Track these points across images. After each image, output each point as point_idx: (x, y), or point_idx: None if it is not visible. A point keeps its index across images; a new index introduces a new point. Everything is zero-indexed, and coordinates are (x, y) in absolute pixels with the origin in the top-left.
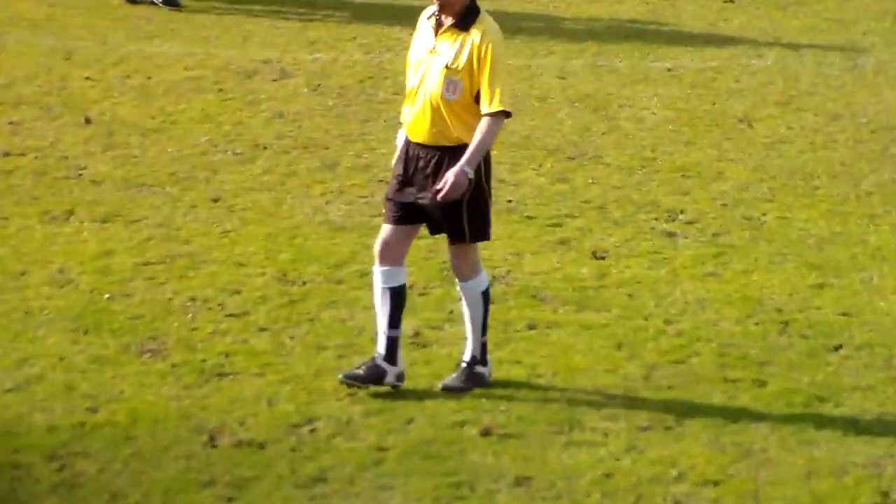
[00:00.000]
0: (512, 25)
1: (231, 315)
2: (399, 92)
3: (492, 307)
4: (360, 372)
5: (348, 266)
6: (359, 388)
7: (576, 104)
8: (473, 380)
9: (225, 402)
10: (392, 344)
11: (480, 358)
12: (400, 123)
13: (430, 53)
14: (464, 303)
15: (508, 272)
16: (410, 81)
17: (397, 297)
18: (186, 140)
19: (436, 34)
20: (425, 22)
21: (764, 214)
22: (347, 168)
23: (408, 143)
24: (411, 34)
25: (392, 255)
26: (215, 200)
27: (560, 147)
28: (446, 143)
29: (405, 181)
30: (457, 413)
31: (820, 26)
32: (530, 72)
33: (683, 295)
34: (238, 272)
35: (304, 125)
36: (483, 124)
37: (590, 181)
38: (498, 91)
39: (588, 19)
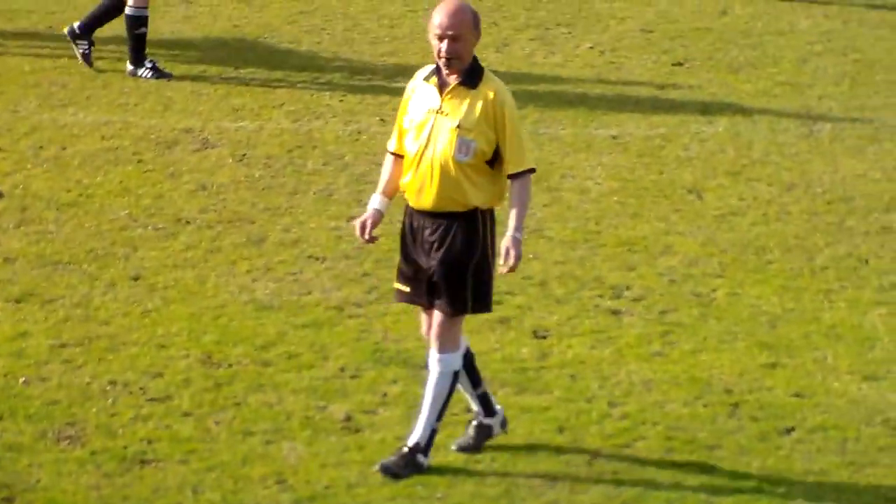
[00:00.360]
0: None
1: (153, 399)
2: (329, 162)
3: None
4: (472, 441)
5: (276, 347)
6: (475, 452)
7: None
8: (412, 467)
9: (147, 492)
10: (485, 399)
11: (425, 447)
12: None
13: (437, 114)
14: (430, 378)
15: None
16: (411, 146)
17: (467, 361)
18: (104, 214)
19: (441, 94)
20: (422, 84)
21: (714, 291)
22: (275, 243)
23: (411, 213)
24: (341, 100)
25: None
26: (135, 278)
27: (499, 220)
28: (456, 209)
29: (411, 253)
30: (390, 501)
31: (774, 91)
32: None
33: (629, 376)
34: (160, 354)
35: (229, 198)
36: (517, 187)
37: (531, 256)
38: (522, 150)
39: (528, 84)
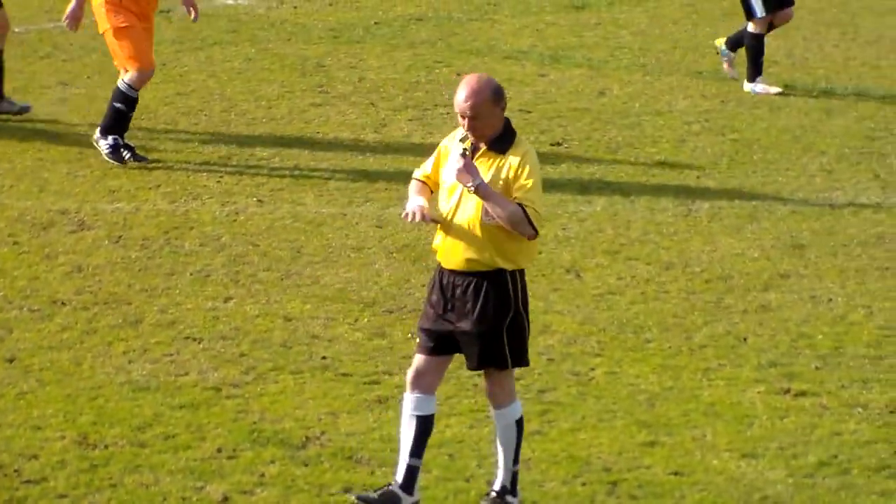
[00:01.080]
0: (326, 171)
1: (28, 482)
2: (206, 243)
3: (305, 470)
4: (375, 496)
5: (152, 428)
6: None
7: (394, 254)
8: None
9: None
10: (411, 474)
11: (511, 488)
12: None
13: (463, 149)
14: (498, 431)
15: (323, 433)
16: (443, 207)
17: (423, 426)
18: None
19: (472, 158)
20: (457, 144)
21: (592, 369)
22: (151, 325)
23: (441, 271)
24: (218, 181)
25: (425, 384)
26: (10, 360)
27: (377, 300)
28: (483, 269)
29: (442, 310)
30: None
31: (652, 170)
32: (345, 220)
33: None
34: (35, 436)
35: (105, 279)
36: (514, 204)
37: (409, 336)
38: (536, 199)
39: (407, 164)
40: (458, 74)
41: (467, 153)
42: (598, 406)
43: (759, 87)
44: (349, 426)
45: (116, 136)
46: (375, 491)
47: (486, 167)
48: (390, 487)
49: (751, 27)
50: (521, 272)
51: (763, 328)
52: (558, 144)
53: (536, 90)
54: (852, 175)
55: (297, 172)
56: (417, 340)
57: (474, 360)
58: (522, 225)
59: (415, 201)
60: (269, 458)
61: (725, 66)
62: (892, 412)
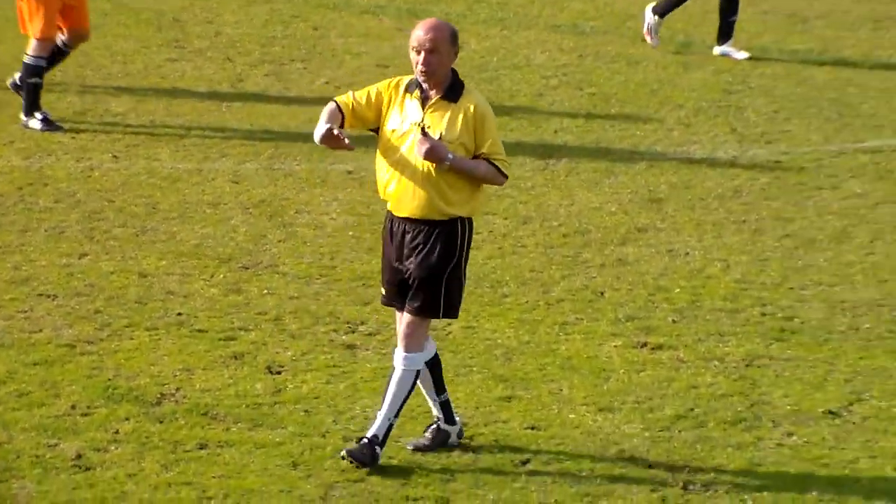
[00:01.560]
0: (181, 127)
1: None
2: (60, 199)
3: (159, 427)
4: (428, 443)
5: (5, 385)
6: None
7: (250, 210)
8: (369, 458)
9: None
10: (447, 407)
11: (381, 439)
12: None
13: (420, 126)
14: (394, 375)
15: (178, 389)
16: (393, 156)
17: (434, 368)
18: None
19: (423, 107)
20: (406, 95)
21: (449, 324)
22: (5, 281)
23: (392, 219)
24: (73, 137)
25: None
26: None
27: (233, 256)
28: (436, 217)
29: (395, 259)
30: None
31: (510, 125)
32: (201, 176)
33: (364, 410)
34: None
35: None
36: (483, 161)
37: (265, 292)
38: (500, 152)
39: (264, 120)
40: (316, 29)
41: (427, 130)
42: (455, 361)
43: (653, 22)
44: (204, 382)
45: (43, 112)
46: (425, 433)
47: (440, 116)
48: (434, 426)
49: None
50: (471, 222)
51: (620, 282)
52: None
53: (395, 45)
54: (709, 129)
55: (152, 128)
56: (383, 294)
57: (411, 304)
58: (496, 178)
59: (321, 128)
60: (124, 414)
61: (652, 41)
62: (748, 365)
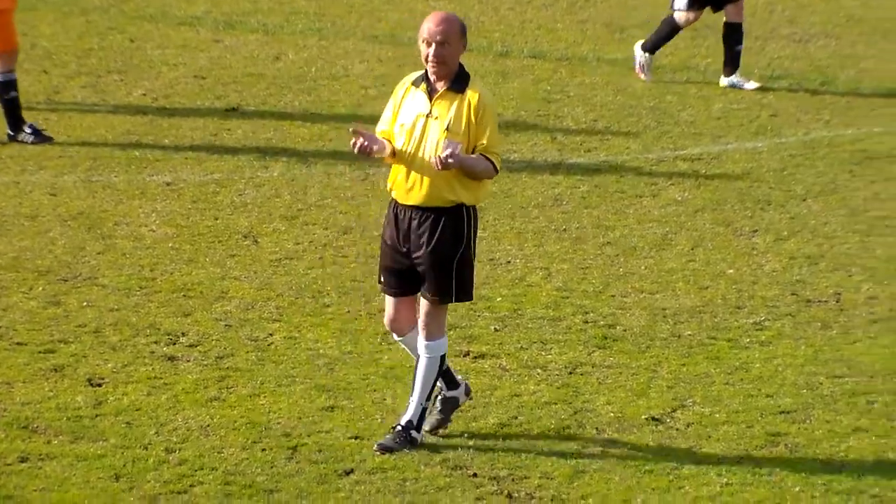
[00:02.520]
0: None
1: None
2: None
3: None
4: (440, 416)
5: None
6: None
7: (68, 222)
8: (407, 443)
9: None
10: (446, 374)
11: (417, 423)
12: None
13: (427, 118)
14: (420, 363)
15: None
16: (403, 146)
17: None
18: None
19: (430, 99)
20: (412, 89)
21: (271, 335)
22: None
23: (397, 207)
24: None
25: (400, 328)
26: None
27: (52, 268)
28: (441, 205)
29: (399, 246)
30: None
31: (329, 135)
32: (19, 189)
33: (186, 421)
34: None
35: None
36: (482, 158)
37: (84, 304)
38: (496, 145)
39: (80, 131)
40: (132, 41)
41: (446, 145)
42: (278, 371)
43: (643, 59)
44: (24, 395)
45: (30, 124)
46: (434, 412)
47: (446, 108)
48: (441, 396)
49: (677, 16)
50: (475, 209)
51: None
52: (234, 110)
53: (211, 56)
54: (529, 138)
55: None
56: (381, 280)
57: (428, 292)
58: (489, 173)
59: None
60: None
61: (645, 77)
62: (570, 373)
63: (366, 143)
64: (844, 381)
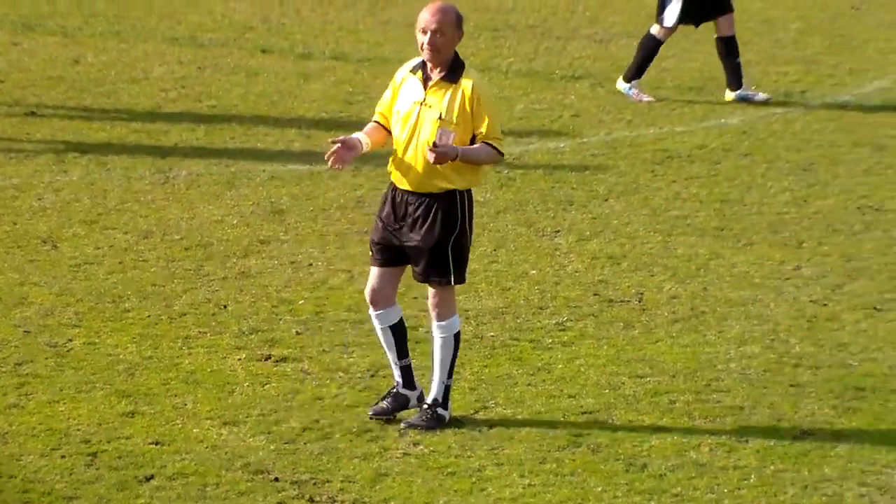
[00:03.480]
0: None
1: None
2: None
3: None
4: (386, 405)
5: None
6: (389, 419)
7: None
8: (435, 420)
9: None
10: (407, 372)
11: (442, 400)
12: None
13: (422, 106)
14: (436, 343)
15: None
16: (398, 134)
17: (399, 331)
18: None
19: (425, 87)
20: (409, 76)
21: (70, 340)
22: None
23: (394, 189)
24: None
25: (384, 298)
26: None
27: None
28: (435, 191)
29: (392, 225)
30: None
31: (128, 138)
32: None
33: None
34: None
35: None
36: (482, 145)
37: None
38: (497, 131)
39: None
40: None
41: (440, 130)
42: (77, 377)
43: (633, 90)
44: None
45: None
46: (383, 400)
47: (440, 96)
48: (395, 390)
49: (654, 30)
50: (470, 193)
51: (244, 295)
52: (32, 114)
53: (10, 59)
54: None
55: None
56: (371, 253)
57: (421, 272)
58: (494, 158)
59: (356, 134)
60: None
61: (645, 99)
62: (373, 376)
63: (341, 154)
64: (647, 380)
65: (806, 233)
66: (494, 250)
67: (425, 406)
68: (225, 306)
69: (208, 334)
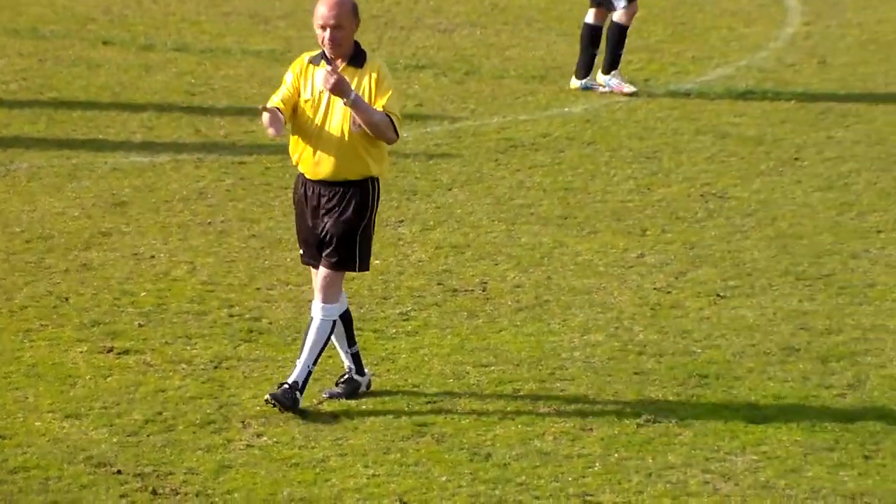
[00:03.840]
0: None
1: None
2: None
3: None
4: (340, 390)
5: None
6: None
7: None
8: (291, 401)
9: None
10: (357, 358)
11: (302, 385)
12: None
13: (331, 94)
14: (312, 325)
15: None
16: (307, 123)
17: (347, 321)
18: None
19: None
20: (311, 67)
21: None
22: None
23: (305, 183)
24: None
25: None
26: None
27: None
28: (351, 178)
29: (311, 221)
30: None
31: None
32: None
33: None
34: None
35: None
36: (380, 112)
37: None
38: (396, 106)
39: None
40: None
41: (336, 67)
42: None
43: (613, 80)
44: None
45: None
46: (337, 385)
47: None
48: (348, 376)
49: (616, 17)
50: (379, 182)
51: (85, 287)
52: None
53: None
54: (173, 131)
55: None
56: (301, 253)
57: (326, 258)
58: (389, 131)
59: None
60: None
61: (626, 89)
62: (216, 367)
63: (275, 124)
64: (491, 369)
65: (649, 220)
66: None
67: (286, 385)
68: (66, 299)
69: (49, 327)
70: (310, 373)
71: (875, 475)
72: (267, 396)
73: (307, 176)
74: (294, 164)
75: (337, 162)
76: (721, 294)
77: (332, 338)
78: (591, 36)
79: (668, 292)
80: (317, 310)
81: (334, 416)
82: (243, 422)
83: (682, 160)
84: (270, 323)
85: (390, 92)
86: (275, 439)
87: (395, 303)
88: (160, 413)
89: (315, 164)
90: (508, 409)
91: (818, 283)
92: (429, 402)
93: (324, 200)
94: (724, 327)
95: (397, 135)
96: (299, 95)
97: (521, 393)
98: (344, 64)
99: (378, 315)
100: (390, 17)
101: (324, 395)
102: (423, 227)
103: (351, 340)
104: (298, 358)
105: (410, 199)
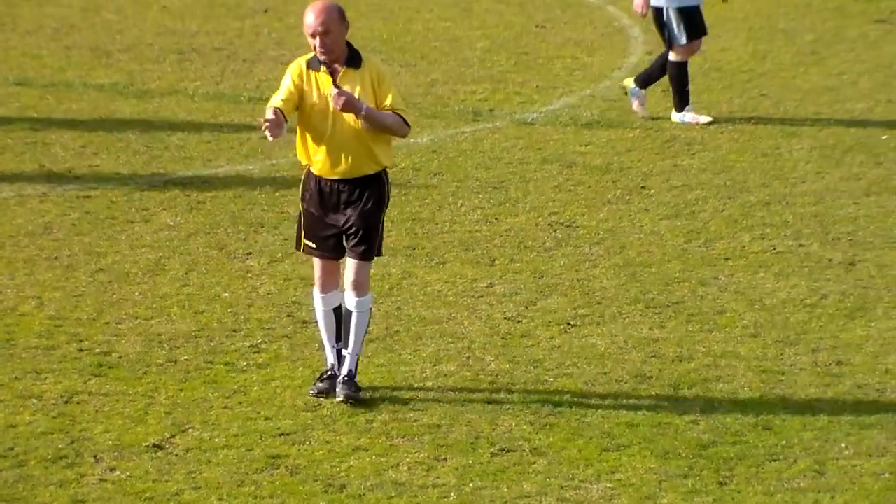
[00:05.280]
0: None
1: None
2: None
3: None
4: (325, 386)
5: None
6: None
7: None
8: (356, 388)
9: None
10: (340, 355)
11: (355, 372)
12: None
13: (335, 85)
14: (353, 318)
15: None
16: (319, 128)
17: (339, 315)
18: None
19: (334, 80)
20: (311, 72)
21: None
22: None
23: (319, 181)
24: None
25: (331, 284)
26: None
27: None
28: (368, 172)
29: (326, 216)
30: None
31: None
32: None
33: None
34: None
35: None
36: (391, 113)
37: None
38: (402, 104)
39: None
40: None
41: (340, 87)
42: None
43: (687, 116)
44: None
45: None
46: (321, 382)
47: (351, 84)
48: (331, 372)
49: (672, 56)
50: (388, 172)
51: None
52: None
53: None
54: (17, 165)
55: None
56: (312, 246)
57: (354, 248)
58: (402, 128)
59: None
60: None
61: (636, 105)
62: (66, 402)
63: (273, 129)
64: (340, 401)
65: (498, 250)
66: (186, 273)
67: (346, 378)
68: None
69: None
70: (358, 359)
71: (730, 501)
72: (340, 398)
73: (323, 175)
74: (306, 163)
75: (353, 160)
76: (571, 323)
77: (322, 332)
78: (679, 70)
79: (519, 321)
80: (353, 304)
81: (187, 450)
82: (95, 456)
83: (530, 189)
84: (120, 357)
85: (392, 89)
86: (128, 473)
87: (245, 335)
88: (11, 448)
89: (332, 164)
90: (362, 439)
91: (668, 310)
92: (282, 435)
93: (344, 196)
94: (576, 356)
95: (409, 126)
96: (302, 99)
97: (375, 424)
98: (344, 67)
99: (228, 348)
100: (233, 50)
101: (310, 393)
102: (272, 259)
103: (339, 335)
104: (346, 349)
105: (258, 232)
